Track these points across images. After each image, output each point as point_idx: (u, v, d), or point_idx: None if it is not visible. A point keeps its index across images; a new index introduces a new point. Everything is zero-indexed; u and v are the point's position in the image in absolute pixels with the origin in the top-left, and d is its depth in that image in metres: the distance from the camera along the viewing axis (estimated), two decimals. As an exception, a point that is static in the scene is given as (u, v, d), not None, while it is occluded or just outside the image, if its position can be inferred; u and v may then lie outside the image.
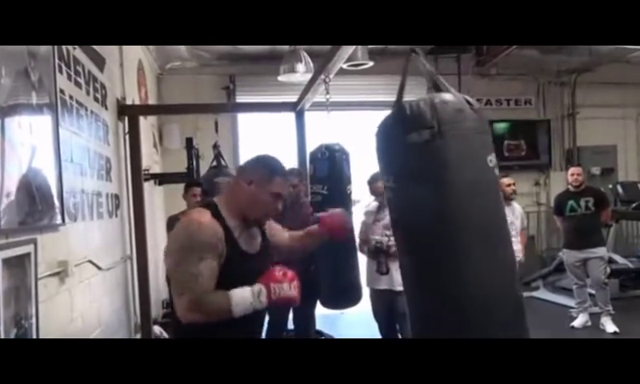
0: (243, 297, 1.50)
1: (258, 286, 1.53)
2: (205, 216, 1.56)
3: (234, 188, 1.68)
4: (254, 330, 1.70)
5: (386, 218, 3.33)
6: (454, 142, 1.41)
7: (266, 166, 1.67)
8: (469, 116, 1.44)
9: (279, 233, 1.88)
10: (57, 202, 2.11)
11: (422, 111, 1.43)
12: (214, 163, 4.32)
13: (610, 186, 6.05)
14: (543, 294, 5.95)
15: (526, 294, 5.92)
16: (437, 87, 1.58)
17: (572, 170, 4.81)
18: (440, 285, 1.44)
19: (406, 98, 1.56)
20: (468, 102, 1.46)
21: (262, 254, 1.69)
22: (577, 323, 4.63)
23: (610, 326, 4.42)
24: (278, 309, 2.18)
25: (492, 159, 1.47)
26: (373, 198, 3.55)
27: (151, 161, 4.85)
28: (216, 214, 1.58)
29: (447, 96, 1.46)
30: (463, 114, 1.43)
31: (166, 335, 4.19)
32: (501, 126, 6.75)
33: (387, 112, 1.58)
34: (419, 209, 1.44)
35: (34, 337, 1.83)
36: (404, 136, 1.44)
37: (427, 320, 1.53)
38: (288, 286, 1.55)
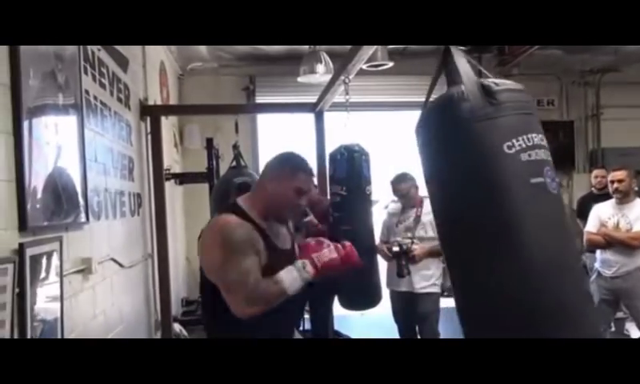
0: (291, 275, 1.55)
1: (299, 261, 1.57)
2: (229, 219, 1.60)
3: (258, 187, 1.71)
4: (291, 322, 1.75)
5: (409, 220, 3.32)
6: (458, 136, 1.34)
7: (287, 162, 1.68)
8: (476, 103, 1.32)
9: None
10: (81, 201, 2.15)
11: (428, 112, 1.44)
12: (234, 163, 4.34)
13: (636, 189, 5.90)
14: (565, 298, 5.84)
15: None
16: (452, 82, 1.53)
17: (596, 172, 4.71)
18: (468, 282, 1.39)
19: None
20: (483, 86, 1.35)
21: (293, 251, 1.72)
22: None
23: (635, 332, 4.32)
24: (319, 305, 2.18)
25: (513, 144, 1.30)
26: (393, 198, 3.54)
27: (172, 160, 4.91)
28: (243, 216, 1.61)
29: (454, 89, 1.38)
30: (468, 104, 1.32)
31: (185, 333, 4.24)
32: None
33: (410, 112, 1.59)
34: (438, 209, 1.46)
35: (59, 332, 1.87)
36: (417, 141, 1.48)
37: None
38: (328, 251, 1.58)
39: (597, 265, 3.56)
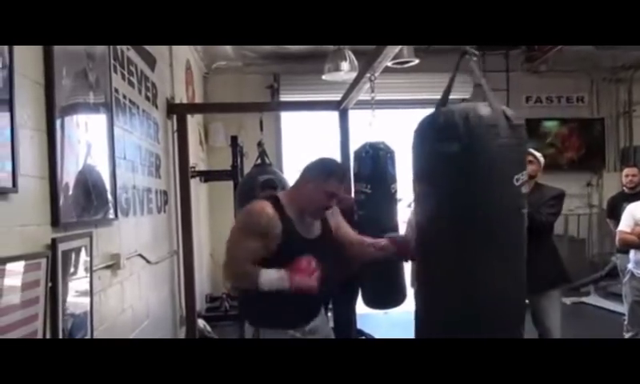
0: (270, 276, 1.76)
1: (283, 271, 1.75)
2: (263, 205, 1.85)
3: (297, 184, 1.95)
4: (310, 306, 1.96)
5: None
6: (481, 158, 1.45)
7: (323, 168, 1.92)
8: (502, 132, 1.45)
9: (345, 229, 2.07)
10: (110, 198, 2.19)
11: (455, 122, 1.46)
12: (258, 161, 4.36)
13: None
14: (594, 299, 5.71)
15: (575, 300, 5.74)
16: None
17: (627, 170, 4.58)
18: (448, 287, 1.53)
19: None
20: (506, 116, 1.47)
21: (320, 240, 1.95)
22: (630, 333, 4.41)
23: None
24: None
25: (520, 177, 1.48)
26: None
27: (197, 158, 4.97)
28: (276, 205, 1.85)
29: (483, 109, 1.48)
30: (496, 130, 1.45)
31: (209, 328, 4.29)
32: (551, 125, 6.52)
33: (430, 110, 1.59)
34: (437, 215, 1.52)
35: (89, 326, 1.91)
36: (434, 143, 1.51)
37: (432, 315, 1.64)
38: (308, 277, 1.75)
39: (630, 266, 3.47)
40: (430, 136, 1.54)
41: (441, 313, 1.57)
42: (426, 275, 1.68)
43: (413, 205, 3.57)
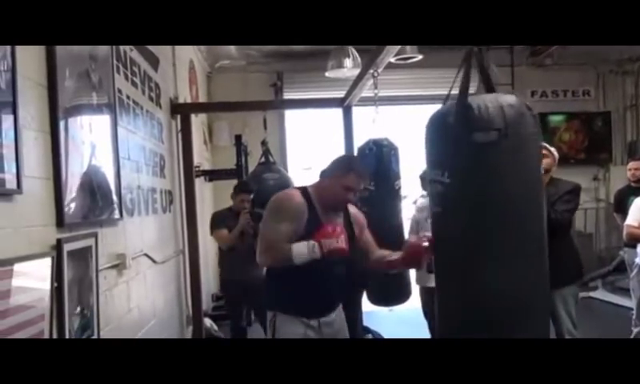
0: (300, 249, 1.85)
1: (312, 242, 1.85)
2: (293, 192, 2.04)
3: (320, 179, 2.08)
4: (330, 286, 2.03)
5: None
6: (516, 146, 1.46)
7: (343, 163, 2.07)
8: (529, 121, 1.48)
9: (367, 238, 2.15)
10: (115, 198, 2.20)
11: (490, 112, 1.45)
12: (263, 160, 4.37)
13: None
14: (602, 294, 5.67)
15: (582, 294, 5.67)
16: (489, 87, 1.56)
17: (631, 164, 4.53)
18: (479, 281, 1.50)
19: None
20: (527, 107, 1.50)
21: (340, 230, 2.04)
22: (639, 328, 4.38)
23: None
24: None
25: (541, 168, 1.57)
26: (422, 193, 3.49)
27: (202, 158, 4.97)
28: (304, 194, 2.00)
29: (511, 99, 1.49)
30: (525, 119, 1.47)
31: (215, 327, 4.30)
32: (557, 119, 6.46)
33: (439, 105, 1.57)
34: (473, 205, 1.47)
35: (95, 326, 1.92)
36: (469, 134, 1.46)
37: (461, 312, 1.59)
38: (336, 241, 1.85)
39: (638, 260, 3.44)
40: (460, 128, 1.48)
41: (477, 310, 1.53)
42: (453, 270, 1.62)
43: (419, 201, 3.57)
